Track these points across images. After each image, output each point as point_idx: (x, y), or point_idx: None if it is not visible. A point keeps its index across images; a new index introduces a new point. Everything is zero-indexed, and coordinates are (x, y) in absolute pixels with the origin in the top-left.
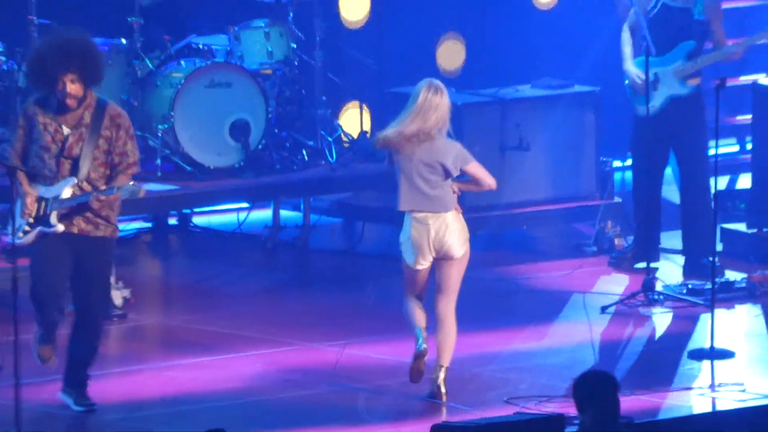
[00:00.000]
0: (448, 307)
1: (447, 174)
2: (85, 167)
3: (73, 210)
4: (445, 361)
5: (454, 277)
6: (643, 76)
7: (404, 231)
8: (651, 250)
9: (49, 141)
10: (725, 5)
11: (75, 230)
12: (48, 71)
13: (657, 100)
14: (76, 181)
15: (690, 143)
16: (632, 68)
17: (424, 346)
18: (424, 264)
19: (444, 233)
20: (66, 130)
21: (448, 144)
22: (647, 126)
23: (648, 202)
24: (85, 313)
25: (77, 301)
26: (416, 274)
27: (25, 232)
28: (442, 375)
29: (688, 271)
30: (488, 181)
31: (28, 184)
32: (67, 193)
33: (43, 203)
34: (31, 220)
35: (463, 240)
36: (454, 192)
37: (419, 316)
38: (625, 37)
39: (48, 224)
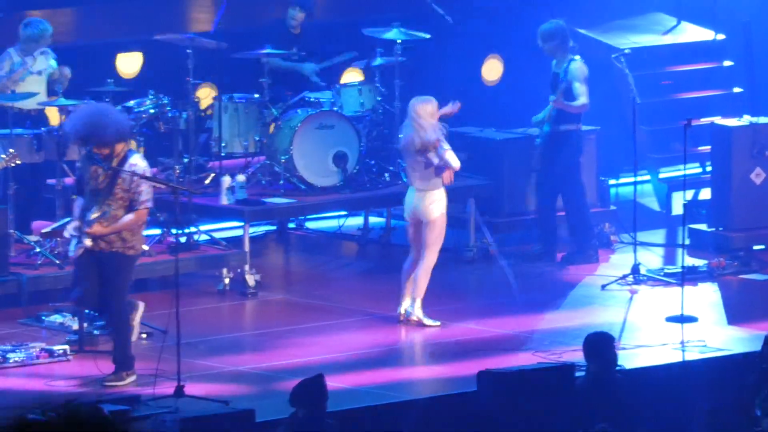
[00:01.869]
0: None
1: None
2: (105, 199)
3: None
4: (418, 295)
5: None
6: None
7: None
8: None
9: (90, 181)
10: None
11: (97, 248)
12: None
13: (541, 138)
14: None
15: (556, 170)
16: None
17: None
18: None
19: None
20: (101, 173)
21: None
22: (539, 156)
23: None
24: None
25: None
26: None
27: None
28: (417, 304)
29: (573, 258)
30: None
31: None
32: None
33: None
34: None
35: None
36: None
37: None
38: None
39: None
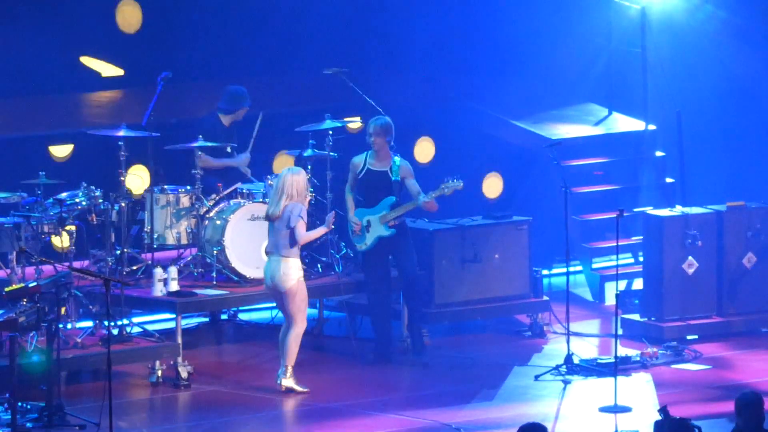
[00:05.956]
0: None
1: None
2: None
3: None
4: (288, 362)
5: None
6: (357, 224)
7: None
8: (387, 347)
9: None
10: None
11: None
12: None
13: (369, 240)
14: None
15: (400, 268)
16: (352, 218)
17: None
18: None
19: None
20: None
21: None
22: (367, 257)
23: (383, 311)
24: None
25: None
26: None
27: None
28: (288, 372)
29: (414, 351)
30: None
31: None
32: None
33: None
34: None
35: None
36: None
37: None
38: (348, 195)
39: None
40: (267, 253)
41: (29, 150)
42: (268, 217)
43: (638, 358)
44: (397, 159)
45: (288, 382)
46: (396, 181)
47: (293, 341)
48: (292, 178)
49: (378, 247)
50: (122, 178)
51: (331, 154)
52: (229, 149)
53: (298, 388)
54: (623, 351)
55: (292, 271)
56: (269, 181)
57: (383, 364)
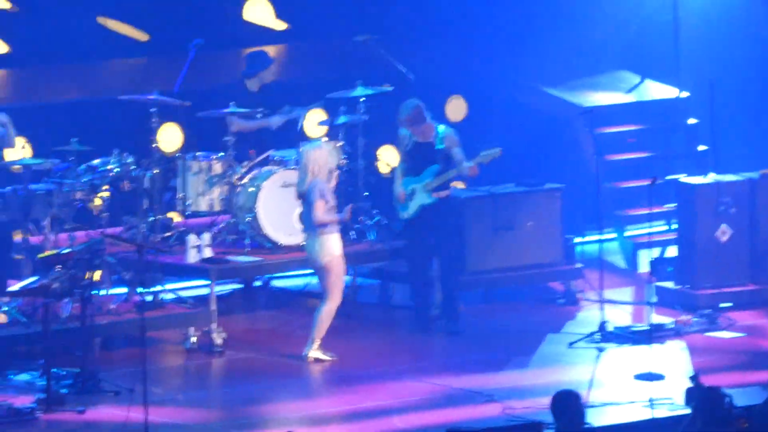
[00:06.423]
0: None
1: None
2: None
3: None
4: (316, 336)
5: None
6: (401, 192)
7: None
8: (425, 315)
9: None
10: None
11: None
12: None
13: (412, 208)
14: None
15: (440, 237)
16: (398, 187)
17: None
18: None
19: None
20: None
21: None
22: (410, 225)
23: (422, 279)
24: None
25: None
26: None
27: None
28: (314, 345)
29: (448, 318)
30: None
31: None
32: None
33: None
34: None
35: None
36: None
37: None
38: (399, 167)
39: None
40: (303, 229)
41: (58, 115)
42: (299, 196)
43: (672, 326)
44: (441, 128)
45: (314, 353)
46: (440, 150)
47: (325, 316)
48: (313, 154)
49: (421, 216)
50: (154, 145)
51: (363, 117)
52: (259, 116)
53: (326, 357)
54: (657, 318)
55: (326, 248)
56: (301, 149)
57: (420, 331)
